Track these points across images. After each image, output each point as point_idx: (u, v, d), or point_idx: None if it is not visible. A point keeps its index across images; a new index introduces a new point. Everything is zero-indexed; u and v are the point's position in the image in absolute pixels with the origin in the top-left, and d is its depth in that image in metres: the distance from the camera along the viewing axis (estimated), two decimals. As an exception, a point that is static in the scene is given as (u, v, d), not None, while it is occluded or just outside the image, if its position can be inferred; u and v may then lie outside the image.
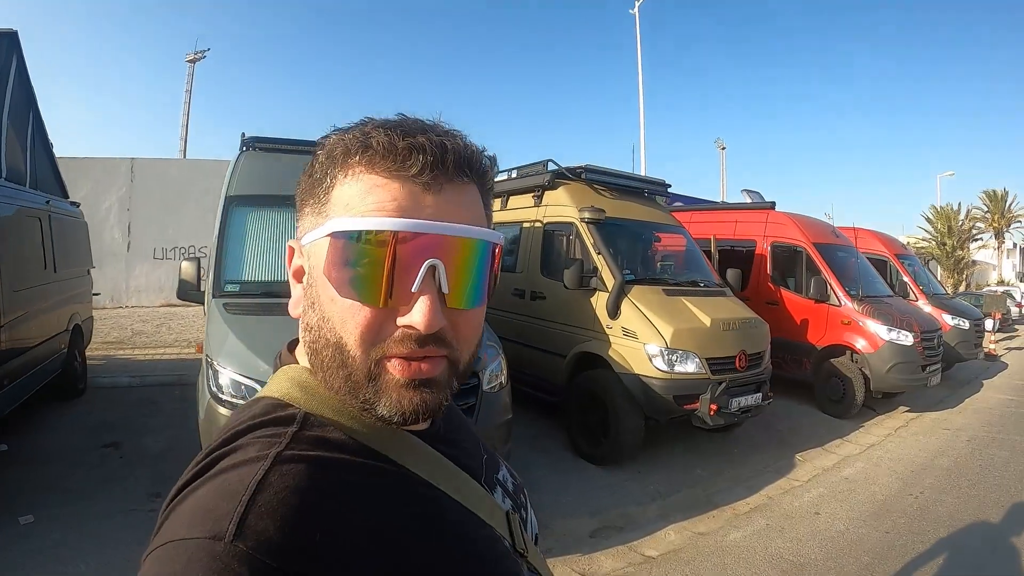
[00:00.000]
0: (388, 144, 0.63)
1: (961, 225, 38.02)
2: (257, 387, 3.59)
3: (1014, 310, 27.86)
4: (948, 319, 11.44)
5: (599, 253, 6.50)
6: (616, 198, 7.37)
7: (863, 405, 8.70)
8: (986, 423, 8.79)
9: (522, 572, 0.75)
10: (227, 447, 0.61)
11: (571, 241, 6.87)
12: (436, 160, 0.64)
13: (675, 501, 5.48)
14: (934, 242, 38.19)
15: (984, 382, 12.11)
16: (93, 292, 9.06)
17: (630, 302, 6.19)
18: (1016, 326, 26.03)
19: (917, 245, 37.42)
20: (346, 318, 0.63)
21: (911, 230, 43.47)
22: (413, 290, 0.61)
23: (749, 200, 11.42)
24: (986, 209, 41.08)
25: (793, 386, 9.44)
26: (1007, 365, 14.63)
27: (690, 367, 5.97)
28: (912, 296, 11.69)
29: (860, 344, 8.56)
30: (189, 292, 4.83)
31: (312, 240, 0.66)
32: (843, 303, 8.80)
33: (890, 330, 8.48)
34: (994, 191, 49.91)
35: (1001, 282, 45.00)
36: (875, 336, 8.49)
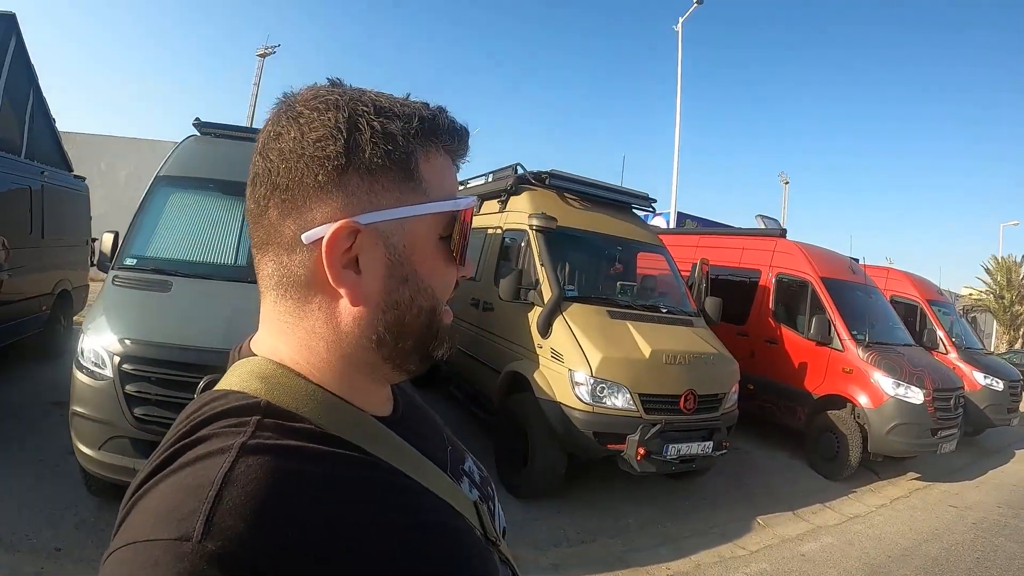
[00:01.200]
0: (451, 127, 0.69)
1: (1022, 279, 34.77)
2: (107, 358, 3.75)
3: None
4: (979, 377, 10.00)
5: (543, 264, 5.70)
6: (587, 209, 6.58)
7: (861, 466, 7.55)
8: (1003, 503, 7.51)
9: (495, 561, 0.74)
10: (188, 439, 0.58)
11: (522, 250, 6.07)
12: (468, 147, 0.74)
13: (578, 553, 4.65)
14: (991, 295, 35.11)
15: (1017, 452, 10.61)
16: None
17: (563, 321, 5.36)
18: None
19: (973, 297, 34.55)
20: (448, 281, 0.71)
21: (970, 281, 40.34)
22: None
23: (763, 226, 10.15)
24: (1051, 264, 37.72)
25: (788, 436, 8.35)
26: (1051, 433, 12.76)
27: (618, 402, 5.09)
28: (942, 349, 10.23)
29: (861, 397, 7.39)
30: (104, 264, 4.68)
31: (404, 217, 0.65)
32: (847, 348, 7.56)
33: (897, 384, 7.26)
34: None
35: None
36: (878, 389, 7.29)
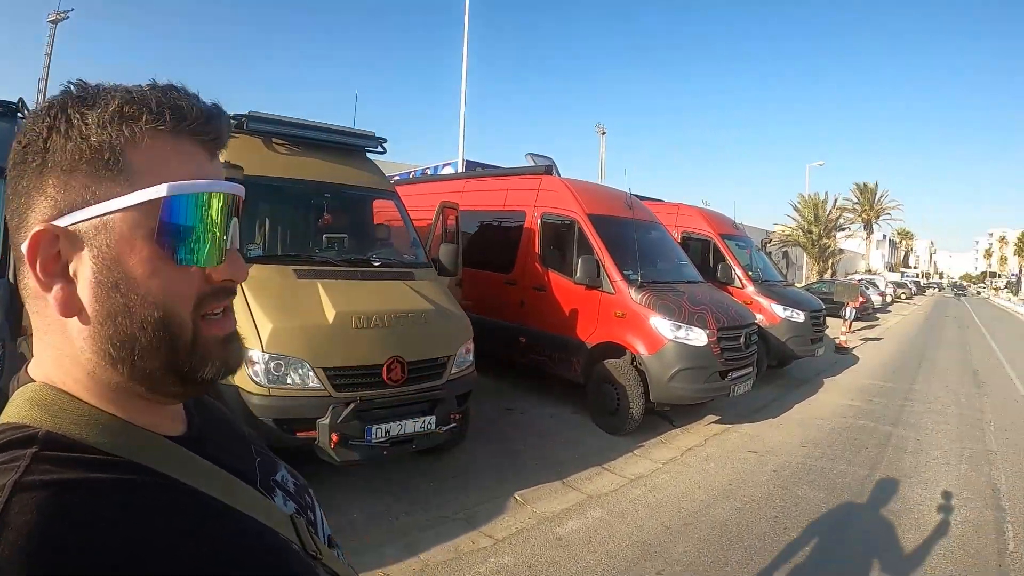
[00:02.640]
0: (167, 104, 0.59)
1: (828, 214, 37.04)
2: None
3: (877, 299, 26.60)
4: (778, 310, 9.38)
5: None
6: (296, 155, 5.18)
7: (655, 415, 6.59)
8: (808, 442, 6.74)
9: (318, 575, 0.69)
10: None
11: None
12: (216, 125, 0.63)
13: None
14: (800, 230, 37.18)
15: (825, 381, 10.18)
16: None
17: (240, 288, 3.60)
18: (879, 315, 24.78)
19: (784, 233, 36.29)
20: (177, 286, 0.59)
21: (781, 219, 42.71)
22: (228, 247, 0.62)
23: (533, 164, 8.77)
24: (856, 200, 40.64)
25: (574, 390, 7.20)
26: (858, 360, 12.77)
27: (295, 380, 3.96)
28: (738, 284, 9.41)
29: (638, 344, 6.22)
30: None
31: (104, 214, 0.56)
32: (618, 290, 6.32)
33: (676, 326, 6.08)
34: (865, 184, 50.57)
35: (869, 271, 44.98)
36: (655, 333, 6.15)
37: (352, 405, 3.99)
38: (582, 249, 6.76)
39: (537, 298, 7.10)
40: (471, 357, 4.90)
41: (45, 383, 0.59)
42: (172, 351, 0.59)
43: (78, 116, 0.56)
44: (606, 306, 6.51)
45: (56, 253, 0.56)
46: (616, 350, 6.46)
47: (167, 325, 0.58)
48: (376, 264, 4.89)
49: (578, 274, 6.46)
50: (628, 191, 7.61)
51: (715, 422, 7.09)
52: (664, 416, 6.83)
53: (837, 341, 13.16)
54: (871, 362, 12.57)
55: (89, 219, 0.56)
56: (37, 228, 0.55)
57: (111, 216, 0.56)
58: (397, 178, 11.60)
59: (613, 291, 6.47)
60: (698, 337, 6.23)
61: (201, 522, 0.57)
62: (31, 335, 0.80)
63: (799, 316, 9.47)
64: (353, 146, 5.68)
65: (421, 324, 4.54)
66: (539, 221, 7.31)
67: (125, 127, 0.56)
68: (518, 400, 7.29)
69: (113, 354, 0.57)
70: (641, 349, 6.20)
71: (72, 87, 0.59)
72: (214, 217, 0.60)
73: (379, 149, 5.80)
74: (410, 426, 4.24)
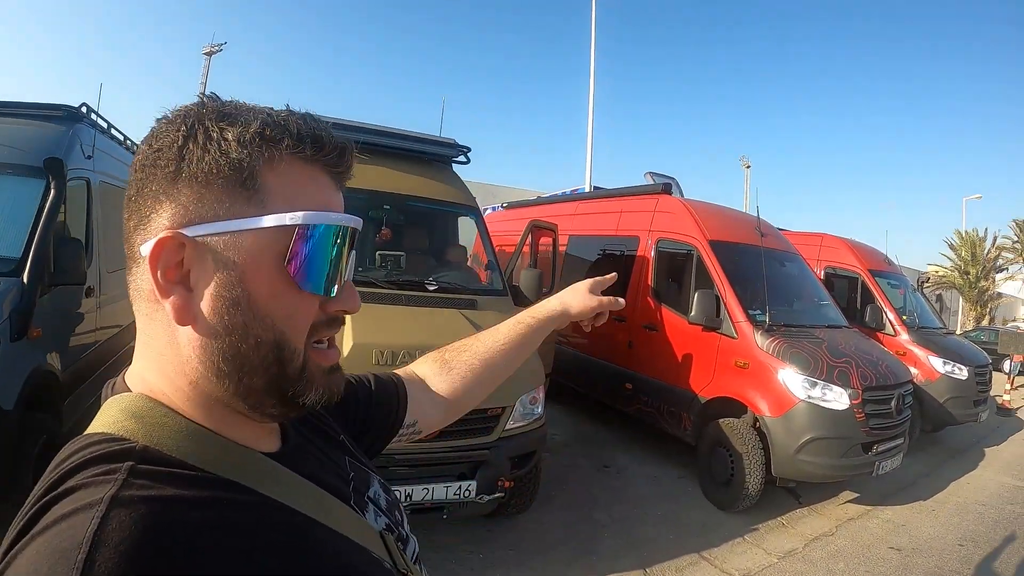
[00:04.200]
0: (304, 132, 0.60)
1: (987, 253, 32.57)
2: None
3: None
4: (936, 364, 7.69)
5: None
6: (363, 162, 4.15)
7: (777, 488, 5.30)
8: (968, 538, 5.23)
9: None
10: (55, 491, 0.50)
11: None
12: (348, 158, 0.65)
13: None
14: (956, 271, 32.90)
15: (986, 451, 8.30)
16: None
17: None
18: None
19: (939, 274, 32.28)
20: (296, 311, 0.60)
21: (935, 258, 38.29)
22: (347, 278, 0.63)
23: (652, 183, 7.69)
24: (1016, 239, 35.62)
25: (686, 449, 6.01)
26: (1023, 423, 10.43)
27: None
28: (890, 330, 7.87)
29: (760, 402, 5.00)
30: None
31: (236, 230, 0.57)
32: (741, 333, 5.18)
33: (810, 382, 4.87)
34: None
35: (1030, 318, 39.38)
36: (783, 390, 4.96)
37: None
38: (700, 282, 5.63)
39: (647, 338, 6.07)
40: (539, 409, 3.96)
41: (141, 393, 0.59)
42: (281, 374, 0.58)
43: (217, 130, 0.56)
44: (725, 352, 5.35)
45: (180, 261, 0.56)
46: (735, 407, 5.26)
47: (280, 348, 0.58)
48: (431, 289, 4.11)
49: (693, 311, 5.34)
50: (757, 213, 6.38)
51: (851, 501, 5.70)
52: (789, 490, 5.56)
53: (999, 400, 11.00)
54: (1041, 427, 10.37)
55: (220, 233, 0.56)
56: (165, 233, 0.55)
57: (243, 234, 0.56)
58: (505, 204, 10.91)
59: (735, 334, 5.29)
60: (838, 398, 4.92)
61: (293, 541, 0.56)
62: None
63: (962, 372, 7.70)
64: (429, 155, 4.93)
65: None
66: (654, 248, 6.25)
67: (265, 148, 0.57)
68: (619, 455, 6.25)
69: (223, 368, 0.57)
70: (764, 409, 4.98)
71: (207, 100, 0.60)
72: (340, 248, 0.60)
73: (461, 159, 5.06)
74: (440, 491, 3.43)
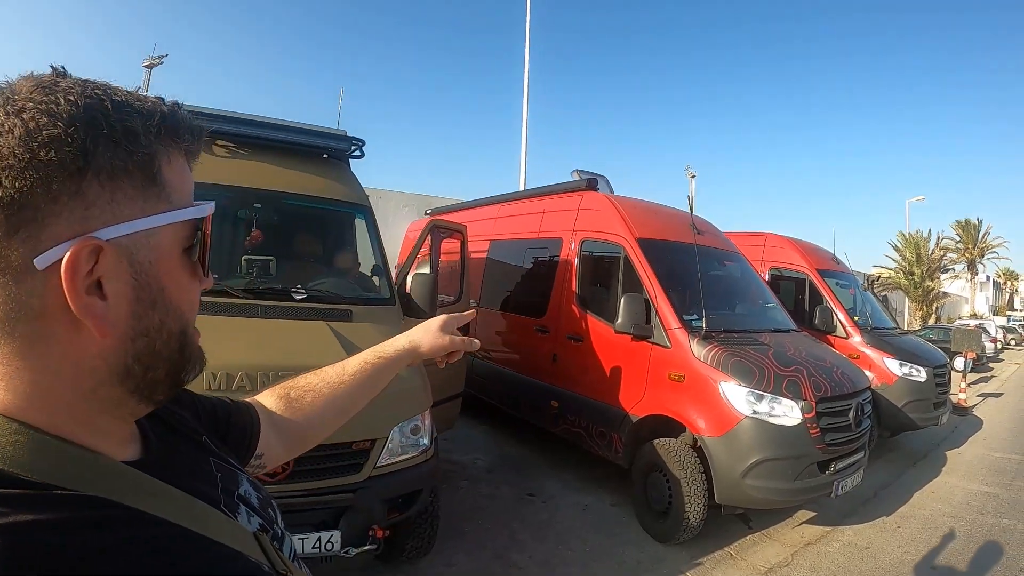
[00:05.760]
0: (191, 124, 0.57)
1: (931, 254, 32.96)
2: None
3: (989, 346, 22.93)
4: (892, 366, 7.06)
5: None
6: (234, 157, 3.83)
7: (723, 514, 4.49)
8: (941, 560, 4.54)
9: None
10: None
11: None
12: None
13: None
14: (901, 272, 33.23)
15: (947, 454, 7.72)
16: None
17: None
18: (991, 364, 21.27)
19: (883, 275, 32.51)
20: (195, 298, 0.59)
21: (880, 260, 38.75)
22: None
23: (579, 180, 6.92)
24: (958, 239, 36.27)
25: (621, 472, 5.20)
26: (981, 422, 10.10)
27: None
28: (841, 332, 7.24)
29: (699, 420, 4.21)
30: None
31: (150, 228, 0.52)
32: (674, 341, 4.43)
33: (756, 395, 4.14)
34: (967, 220, 45.88)
35: (974, 315, 40.00)
36: (724, 405, 4.21)
37: None
38: (628, 285, 4.89)
39: (573, 351, 5.31)
40: (424, 439, 3.19)
41: None
42: (181, 360, 0.57)
43: (120, 120, 0.50)
44: (658, 364, 4.58)
45: (91, 268, 0.49)
46: (672, 426, 4.51)
47: (184, 335, 0.57)
48: (299, 298, 3.33)
49: (620, 318, 4.58)
50: (691, 209, 5.58)
51: (807, 522, 4.99)
52: (739, 517, 4.81)
53: (955, 399, 10.53)
54: (998, 427, 9.86)
55: (135, 233, 0.51)
56: (80, 240, 0.47)
57: (156, 231, 0.53)
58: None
59: (668, 343, 4.53)
60: (788, 412, 4.20)
61: (176, 556, 0.51)
62: None
63: (920, 374, 7.11)
64: (315, 148, 4.16)
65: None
66: (578, 249, 5.50)
67: (168, 141, 0.54)
68: (547, 482, 5.43)
69: (131, 368, 0.53)
70: (704, 427, 4.23)
71: (97, 88, 0.50)
72: (210, 235, 0.59)
73: (356, 153, 4.27)
74: (296, 544, 2.54)
